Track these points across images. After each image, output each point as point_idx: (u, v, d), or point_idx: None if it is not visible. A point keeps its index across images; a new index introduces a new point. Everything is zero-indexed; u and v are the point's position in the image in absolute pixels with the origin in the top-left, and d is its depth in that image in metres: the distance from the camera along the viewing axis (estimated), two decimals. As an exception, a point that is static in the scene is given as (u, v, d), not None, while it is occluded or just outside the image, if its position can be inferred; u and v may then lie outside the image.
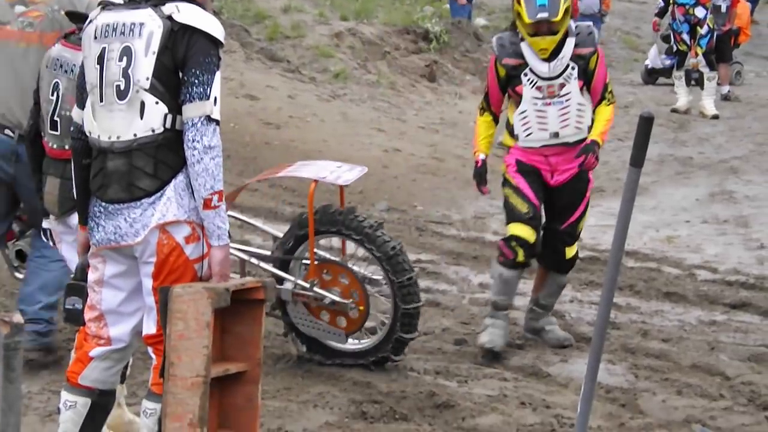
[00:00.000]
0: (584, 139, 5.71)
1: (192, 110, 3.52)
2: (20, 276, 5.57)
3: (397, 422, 4.84)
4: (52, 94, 4.35)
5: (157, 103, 3.54)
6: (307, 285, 5.31)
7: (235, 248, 5.46)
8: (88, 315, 3.71)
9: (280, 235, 5.54)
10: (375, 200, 9.96)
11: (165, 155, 3.56)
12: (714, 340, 6.11)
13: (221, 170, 3.56)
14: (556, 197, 5.82)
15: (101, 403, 3.73)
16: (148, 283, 3.61)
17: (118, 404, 4.30)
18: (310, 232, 5.29)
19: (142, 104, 3.55)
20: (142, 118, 3.55)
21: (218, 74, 3.57)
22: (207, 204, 3.54)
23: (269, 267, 5.43)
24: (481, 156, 5.98)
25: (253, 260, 5.48)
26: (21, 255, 5.57)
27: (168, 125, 3.55)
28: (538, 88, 5.71)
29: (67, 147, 4.25)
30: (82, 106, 3.70)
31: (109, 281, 3.68)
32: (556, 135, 5.73)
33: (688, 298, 6.98)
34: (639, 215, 9.11)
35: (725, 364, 5.68)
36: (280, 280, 5.34)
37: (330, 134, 11.83)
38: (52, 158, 4.37)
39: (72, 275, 3.94)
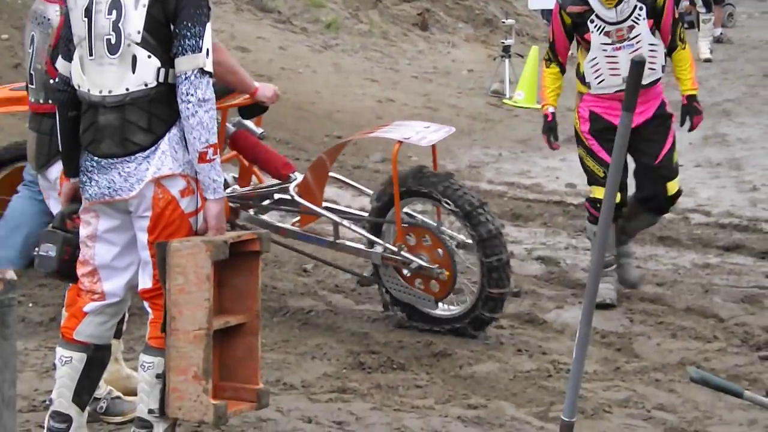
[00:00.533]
0: (658, 80, 5.59)
1: (185, 63, 3.51)
2: None
3: (395, 372, 4.89)
4: (30, 47, 4.33)
5: (149, 57, 3.53)
6: (395, 249, 5.21)
7: (327, 209, 5.44)
8: (81, 270, 3.71)
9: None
10: (370, 152, 9.95)
11: (158, 109, 3.55)
12: (708, 282, 6.15)
13: (215, 123, 3.55)
14: (640, 137, 5.58)
15: (97, 357, 3.75)
16: (143, 238, 3.61)
17: (115, 359, 4.32)
18: (395, 194, 5.15)
19: (134, 58, 3.53)
20: (134, 72, 3.54)
21: (209, 26, 3.56)
22: (202, 157, 3.54)
23: (359, 229, 5.35)
24: (551, 109, 5.89)
25: (345, 222, 5.37)
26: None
27: (161, 79, 3.54)
28: (607, 34, 5.58)
29: (41, 101, 4.25)
30: (68, 59, 3.67)
31: (102, 236, 3.68)
32: (624, 80, 5.52)
33: (682, 242, 7.01)
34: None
35: (719, 306, 5.73)
36: (372, 244, 5.28)
37: (323, 85, 11.80)
38: (31, 112, 4.36)
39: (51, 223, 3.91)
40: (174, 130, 3.57)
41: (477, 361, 5.00)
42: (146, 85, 3.54)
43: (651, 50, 5.59)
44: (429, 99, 11.45)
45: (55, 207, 4.18)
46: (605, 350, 5.21)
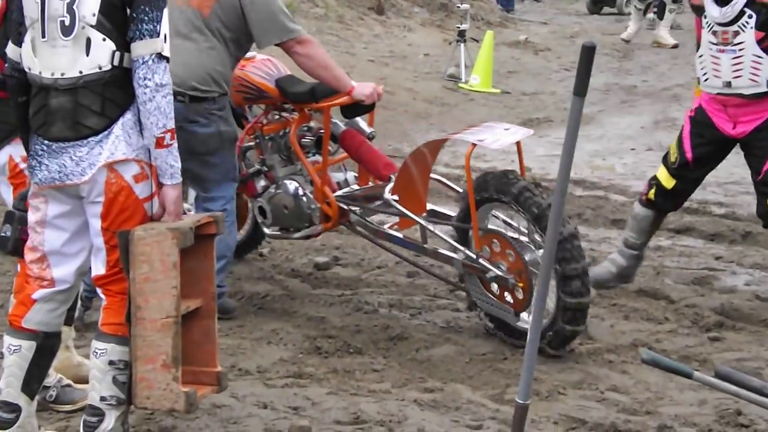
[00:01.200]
0: (765, 94, 5.31)
1: (142, 48, 3.49)
2: (268, 231, 5.62)
3: (352, 356, 4.91)
4: None
5: (104, 39, 3.50)
6: (474, 256, 4.98)
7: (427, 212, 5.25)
8: (29, 256, 3.66)
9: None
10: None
11: (113, 93, 3.53)
12: (659, 265, 6.23)
13: (173, 108, 3.54)
14: (745, 147, 5.46)
15: (47, 345, 3.70)
16: (96, 224, 3.58)
17: (66, 347, 4.29)
18: (470, 198, 4.92)
19: (88, 41, 3.50)
20: (88, 55, 3.51)
21: (166, 10, 3.54)
22: (159, 143, 3.52)
23: (443, 234, 5.10)
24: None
25: (430, 226, 5.16)
26: (263, 212, 5.57)
27: (116, 62, 3.52)
28: (714, 33, 5.41)
29: None
30: (17, 42, 3.62)
31: (51, 222, 3.63)
32: (728, 84, 5.39)
33: (635, 225, 7.08)
34: (586, 144, 9.21)
35: (670, 288, 5.81)
36: (455, 249, 5.07)
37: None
38: None
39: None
40: (128, 115, 3.54)
41: (433, 344, 5.03)
42: (100, 68, 3.51)
43: (755, 62, 5.32)
44: (385, 82, 11.44)
45: (6, 192, 4.14)
46: (559, 333, 5.26)
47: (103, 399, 3.59)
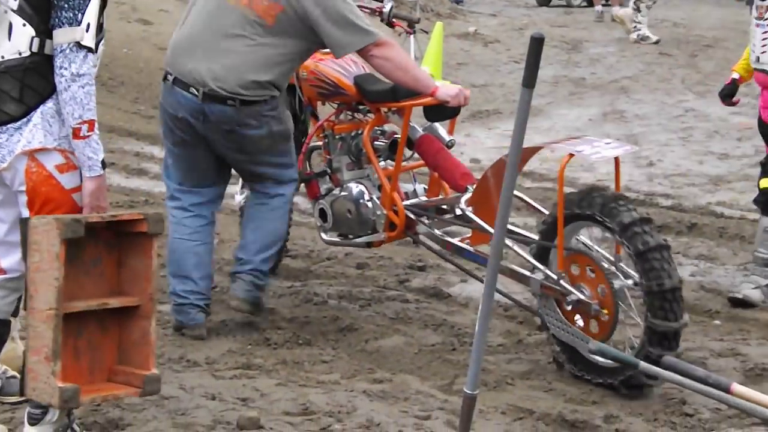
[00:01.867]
0: None
1: (61, 36, 3.43)
2: (326, 237, 5.37)
3: (301, 347, 4.90)
4: None
5: (24, 25, 3.44)
6: (555, 276, 4.55)
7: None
8: None
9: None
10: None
11: (32, 80, 3.46)
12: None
13: (92, 99, 3.46)
14: None
15: None
16: (25, 214, 3.53)
17: (12, 338, 4.24)
18: (558, 214, 4.48)
19: (10, 26, 3.45)
20: (9, 40, 3.45)
21: (95, 1, 3.46)
22: (76, 133, 3.46)
23: (521, 251, 4.71)
24: (734, 75, 5.82)
25: (508, 242, 4.65)
26: (323, 215, 5.31)
27: (35, 49, 3.45)
28: (758, 7, 5.40)
29: None
30: None
31: None
32: (757, 60, 5.42)
33: (583, 217, 7.13)
34: (535, 136, 9.26)
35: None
36: (533, 269, 4.67)
37: (226, 60, 11.67)
38: None
39: None
40: (50, 104, 3.49)
41: (383, 335, 5.04)
42: (20, 53, 3.46)
43: None
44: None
45: None
46: (508, 323, 5.29)
47: None
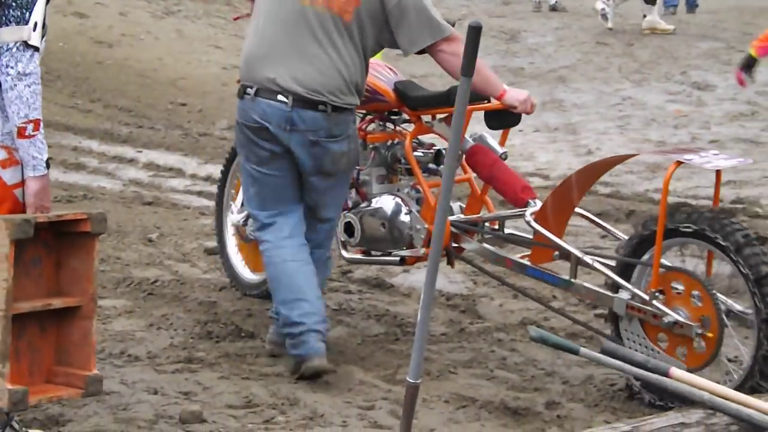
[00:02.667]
0: None
1: (7, 34, 3.40)
2: (347, 255, 5.02)
3: (243, 340, 4.88)
4: None
5: None
6: (646, 297, 4.20)
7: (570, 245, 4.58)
8: None
9: (623, 235, 4.57)
10: (215, 118, 9.86)
11: None
12: (547, 244, 6.32)
13: (38, 98, 3.44)
14: None
15: None
16: None
17: None
18: (659, 227, 4.12)
19: None
20: None
21: (41, 1, 3.44)
22: (21, 132, 3.44)
23: (605, 269, 4.38)
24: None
25: (587, 258, 4.42)
26: (350, 229, 4.93)
27: None
28: None
29: None
30: None
31: None
32: None
33: (523, 205, 7.18)
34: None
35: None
36: (617, 288, 4.34)
37: (165, 52, 11.60)
38: None
39: None
40: None
41: (325, 326, 5.04)
42: None
43: None
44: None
45: None
46: (450, 312, 5.32)
47: None
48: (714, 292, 4.09)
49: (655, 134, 9.30)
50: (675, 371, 3.64)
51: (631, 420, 3.55)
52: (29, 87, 3.41)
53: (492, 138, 4.92)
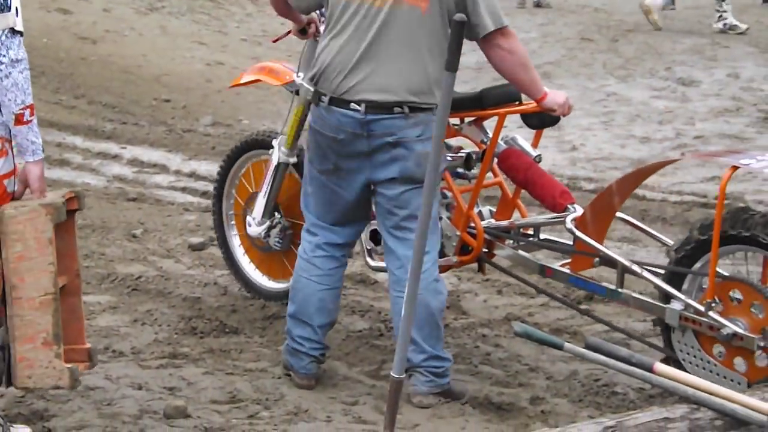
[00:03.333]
0: None
1: None
2: (373, 263, 4.87)
3: (228, 336, 4.88)
4: None
5: None
6: (702, 308, 4.07)
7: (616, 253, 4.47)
8: None
9: (671, 242, 4.41)
10: (199, 115, 9.83)
11: None
12: (532, 240, 6.33)
13: (30, 84, 3.47)
14: None
15: None
16: None
17: None
18: (714, 236, 3.96)
19: None
20: None
21: None
22: (19, 119, 3.46)
23: (655, 279, 4.24)
24: None
25: (635, 267, 4.27)
26: (375, 237, 4.73)
27: None
28: None
29: None
30: None
31: None
32: None
33: (508, 201, 7.19)
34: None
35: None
36: (667, 298, 4.21)
37: (149, 48, 11.56)
38: None
39: None
40: None
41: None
42: None
43: None
44: (258, 62, 11.38)
45: None
46: (434, 308, 5.32)
47: None
48: None
49: (639, 130, 9.32)
50: (659, 366, 3.65)
51: (615, 415, 3.55)
52: (22, 73, 3.44)
53: (524, 140, 4.78)
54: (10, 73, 3.42)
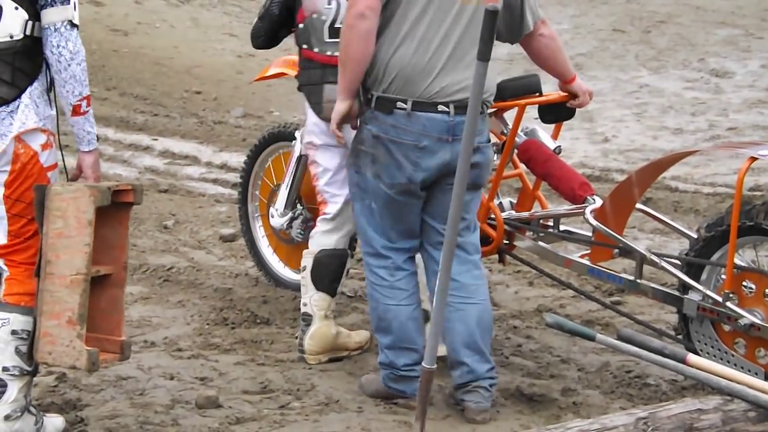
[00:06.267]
0: None
1: (54, 15, 3.47)
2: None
3: (259, 326, 4.89)
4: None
5: (16, 8, 3.47)
6: (719, 298, 4.05)
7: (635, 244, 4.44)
8: None
9: (694, 234, 4.33)
10: (230, 107, 9.87)
11: (23, 62, 3.49)
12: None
13: (86, 75, 3.53)
14: None
15: None
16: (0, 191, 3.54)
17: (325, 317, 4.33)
18: (732, 225, 3.94)
19: (0, 9, 3.46)
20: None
21: None
22: (76, 110, 3.52)
23: (674, 270, 4.22)
24: None
25: (653, 257, 4.27)
26: None
27: (27, 32, 3.49)
28: None
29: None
30: None
31: None
32: None
33: (539, 193, 7.16)
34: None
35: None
36: (686, 289, 4.19)
37: (181, 40, 11.61)
38: None
39: None
40: (35, 84, 3.53)
41: (341, 313, 5.04)
42: (11, 37, 3.48)
43: None
44: (289, 53, 11.39)
45: None
46: (465, 299, 5.31)
47: (5, 369, 3.55)
48: None
49: (672, 122, 9.27)
50: (692, 358, 3.62)
51: (648, 406, 3.53)
52: (79, 65, 3.50)
53: (544, 132, 4.74)
54: (69, 65, 3.48)
